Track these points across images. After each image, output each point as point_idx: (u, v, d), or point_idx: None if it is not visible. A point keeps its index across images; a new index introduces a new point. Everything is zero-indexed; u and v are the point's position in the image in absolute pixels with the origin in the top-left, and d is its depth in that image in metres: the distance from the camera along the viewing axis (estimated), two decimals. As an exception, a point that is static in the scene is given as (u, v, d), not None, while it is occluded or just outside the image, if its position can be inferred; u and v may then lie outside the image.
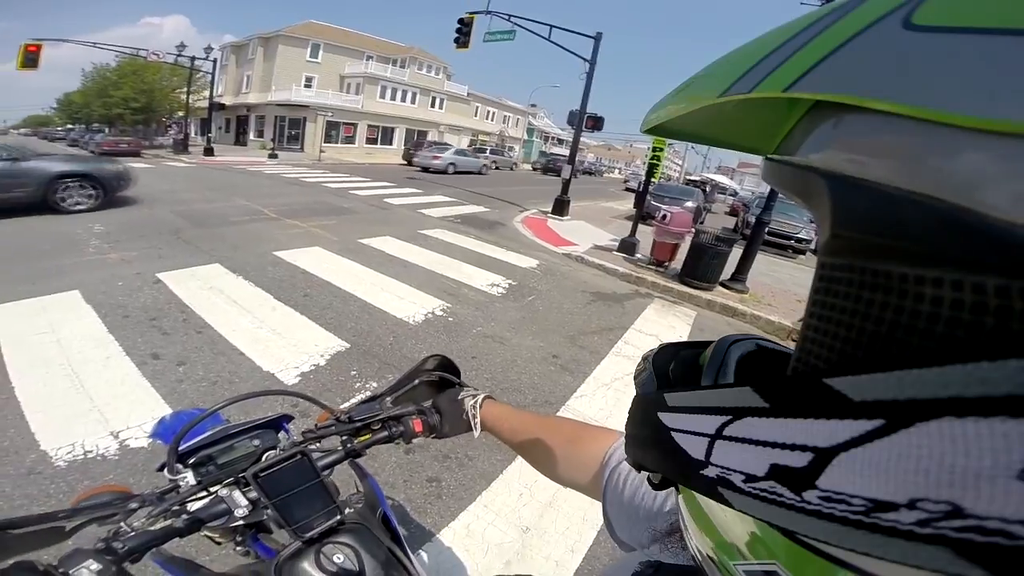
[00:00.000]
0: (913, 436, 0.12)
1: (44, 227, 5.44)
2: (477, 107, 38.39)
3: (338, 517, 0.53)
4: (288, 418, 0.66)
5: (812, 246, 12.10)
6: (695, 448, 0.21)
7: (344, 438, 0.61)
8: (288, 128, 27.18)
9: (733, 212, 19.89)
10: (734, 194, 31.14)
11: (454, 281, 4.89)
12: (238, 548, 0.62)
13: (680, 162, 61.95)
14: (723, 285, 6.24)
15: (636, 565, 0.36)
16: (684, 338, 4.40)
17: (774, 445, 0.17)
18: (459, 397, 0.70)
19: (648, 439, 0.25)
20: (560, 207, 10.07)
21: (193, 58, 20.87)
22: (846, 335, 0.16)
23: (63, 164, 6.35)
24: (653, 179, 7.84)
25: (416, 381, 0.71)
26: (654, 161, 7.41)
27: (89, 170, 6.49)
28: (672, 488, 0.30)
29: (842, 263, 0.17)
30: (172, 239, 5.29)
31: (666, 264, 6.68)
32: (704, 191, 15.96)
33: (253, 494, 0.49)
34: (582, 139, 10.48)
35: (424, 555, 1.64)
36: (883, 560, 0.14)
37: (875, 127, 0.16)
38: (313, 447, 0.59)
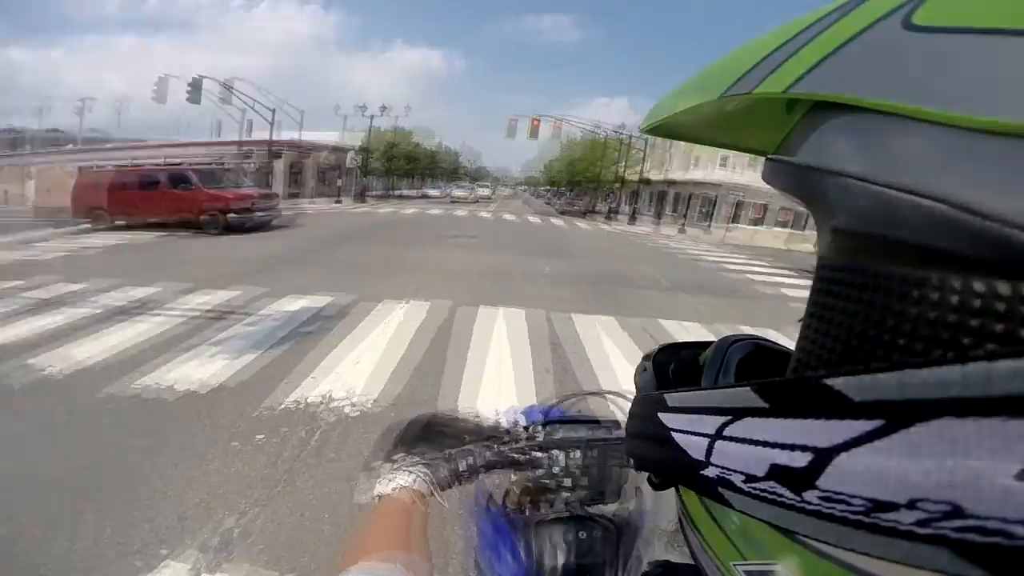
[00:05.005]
0: (913, 436, 0.12)
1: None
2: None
3: (611, 508, 0.62)
4: (617, 425, 0.80)
5: None
6: (695, 448, 0.21)
7: None
8: (700, 205, 29.05)
9: None
10: None
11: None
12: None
13: None
14: None
15: (645, 565, 0.35)
16: None
17: (774, 445, 0.16)
18: None
19: (649, 439, 0.25)
20: None
21: (631, 136, 25.76)
22: (846, 336, 0.16)
23: None
24: None
25: None
26: None
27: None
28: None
29: (842, 264, 0.17)
30: (593, 290, 6.97)
31: None
32: None
33: (571, 461, 0.61)
34: None
35: None
36: (883, 560, 0.14)
37: (875, 127, 0.16)
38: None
